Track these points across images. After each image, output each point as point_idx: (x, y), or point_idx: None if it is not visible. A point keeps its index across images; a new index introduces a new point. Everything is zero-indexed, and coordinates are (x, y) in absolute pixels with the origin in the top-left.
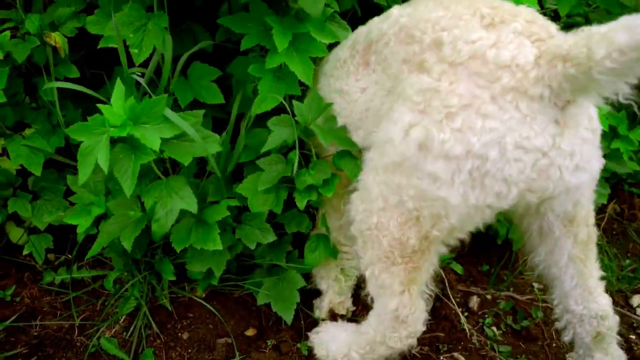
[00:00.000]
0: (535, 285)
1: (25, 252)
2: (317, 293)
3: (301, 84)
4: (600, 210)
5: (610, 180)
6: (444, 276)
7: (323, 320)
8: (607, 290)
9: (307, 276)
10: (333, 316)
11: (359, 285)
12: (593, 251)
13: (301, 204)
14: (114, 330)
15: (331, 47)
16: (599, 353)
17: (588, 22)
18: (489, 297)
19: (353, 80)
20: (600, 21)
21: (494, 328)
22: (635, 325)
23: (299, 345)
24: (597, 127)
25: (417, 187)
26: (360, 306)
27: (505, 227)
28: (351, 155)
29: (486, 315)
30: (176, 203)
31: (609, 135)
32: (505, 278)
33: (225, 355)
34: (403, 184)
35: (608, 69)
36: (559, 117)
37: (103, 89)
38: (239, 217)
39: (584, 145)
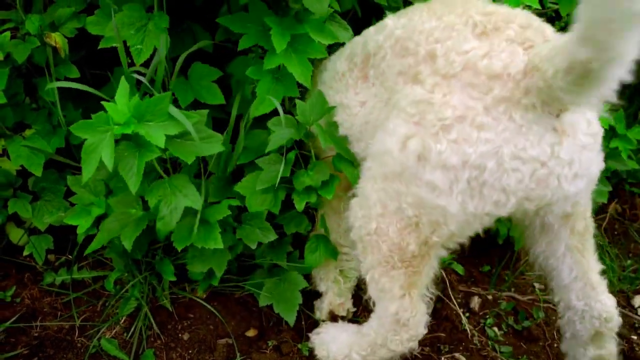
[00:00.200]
0: (537, 285)
1: (25, 253)
2: (318, 294)
3: (299, 85)
4: (601, 211)
5: (611, 180)
6: (445, 277)
7: (323, 321)
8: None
9: (308, 276)
10: (333, 317)
11: (360, 286)
12: (590, 242)
13: (300, 205)
14: (114, 331)
15: (331, 47)
16: (593, 347)
17: None
18: (490, 297)
19: (352, 94)
20: None
21: (495, 328)
22: (637, 325)
23: (299, 345)
24: (597, 130)
25: (416, 195)
26: (361, 307)
27: (506, 227)
28: (351, 157)
29: (487, 316)
30: (180, 201)
31: (608, 134)
32: (507, 278)
33: (226, 356)
34: (402, 191)
35: (560, 87)
36: (557, 125)
37: (103, 89)
38: (239, 217)
39: (583, 152)
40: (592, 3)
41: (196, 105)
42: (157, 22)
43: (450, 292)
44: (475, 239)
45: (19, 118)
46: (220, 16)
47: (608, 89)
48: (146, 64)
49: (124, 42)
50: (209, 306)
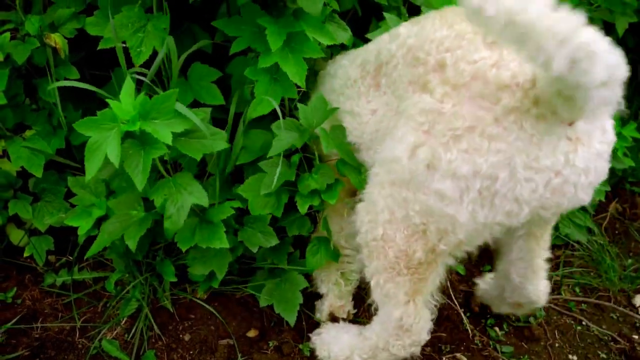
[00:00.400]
0: None
1: (26, 254)
2: (319, 294)
3: (298, 86)
4: (602, 210)
5: (610, 179)
6: (446, 277)
7: (324, 322)
8: (609, 290)
9: (309, 276)
10: (334, 319)
11: (361, 286)
12: (549, 232)
13: (303, 208)
14: (115, 332)
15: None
16: (510, 308)
17: (591, 21)
18: None
19: (364, 102)
20: (603, 20)
21: (497, 328)
22: (637, 325)
23: (300, 346)
24: (612, 139)
25: (424, 203)
26: (362, 308)
27: None
28: (355, 161)
29: (488, 316)
30: (186, 199)
31: None
32: None
33: (227, 357)
34: (409, 199)
35: (559, 104)
36: (570, 134)
37: (103, 89)
38: (240, 219)
39: (598, 160)
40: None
41: (195, 105)
42: (156, 23)
43: (451, 292)
44: None
45: (19, 119)
46: (219, 16)
47: (606, 104)
48: (145, 65)
49: (124, 43)
50: (209, 307)
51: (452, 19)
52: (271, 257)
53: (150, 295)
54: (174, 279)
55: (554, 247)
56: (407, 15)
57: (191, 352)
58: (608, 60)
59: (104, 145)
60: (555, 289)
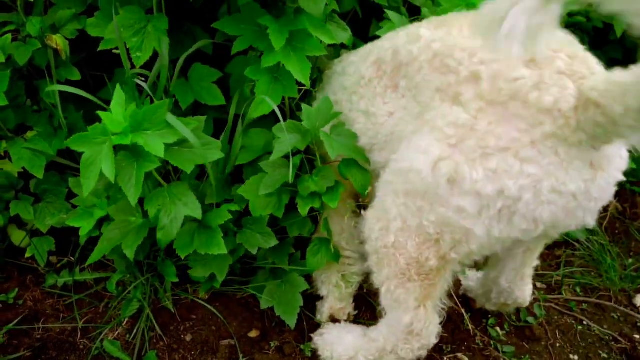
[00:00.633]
0: (538, 285)
1: (27, 255)
2: (319, 295)
3: (299, 84)
4: (602, 210)
5: None
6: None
7: (324, 323)
8: (610, 290)
9: (310, 278)
10: (334, 320)
11: (362, 287)
12: (542, 245)
13: (303, 210)
14: (117, 332)
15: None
16: (495, 307)
17: (590, 21)
18: None
19: (380, 103)
20: (602, 21)
21: (498, 328)
22: (639, 324)
23: (302, 346)
24: (625, 165)
25: (441, 214)
26: (364, 307)
27: None
28: (358, 164)
29: (489, 315)
30: (180, 210)
31: None
32: None
33: (228, 357)
34: (425, 209)
35: (630, 125)
36: (594, 159)
37: (104, 90)
38: (239, 221)
39: (609, 188)
40: None
41: (196, 106)
42: (157, 24)
43: (452, 292)
44: None
45: (20, 120)
46: (219, 17)
47: None
48: (146, 66)
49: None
50: (211, 307)
51: None
52: (272, 257)
53: (151, 295)
54: (176, 280)
55: (554, 246)
56: (407, 15)
57: (193, 353)
58: None
59: (98, 160)
60: (556, 288)
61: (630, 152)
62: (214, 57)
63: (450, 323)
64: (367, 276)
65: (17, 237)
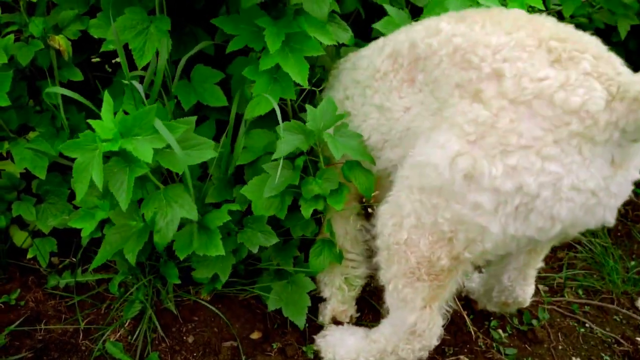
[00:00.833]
0: (541, 287)
1: (29, 256)
2: (322, 297)
3: (297, 85)
4: None
5: None
6: None
7: (326, 325)
8: (612, 292)
9: (314, 279)
10: (336, 322)
11: (365, 289)
12: (548, 248)
13: (307, 212)
14: (119, 334)
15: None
16: (496, 307)
17: (592, 22)
18: None
19: (396, 97)
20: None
21: (500, 330)
22: None
23: (304, 348)
24: None
25: (456, 211)
26: (367, 309)
27: None
28: (362, 167)
29: (492, 318)
30: (176, 212)
31: None
32: None
33: (230, 359)
34: (440, 206)
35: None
36: (616, 157)
37: (106, 91)
38: (240, 221)
39: (628, 185)
40: None
41: (199, 107)
42: (159, 25)
43: (454, 294)
44: None
45: (22, 120)
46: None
47: None
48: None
49: (126, 45)
50: (213, 308)
51: (506, 24)
52: (277, 258)
53: (153, 297)
54: (178, 281)
55: (557, 248)
56: (410, 16)
57: (195, 354)
58: None
59: (89, 167)
60: (559, 291)
61: None
62: (216, 58)
63: (453, 325)
64: (370, 279)
65: (19, 237)
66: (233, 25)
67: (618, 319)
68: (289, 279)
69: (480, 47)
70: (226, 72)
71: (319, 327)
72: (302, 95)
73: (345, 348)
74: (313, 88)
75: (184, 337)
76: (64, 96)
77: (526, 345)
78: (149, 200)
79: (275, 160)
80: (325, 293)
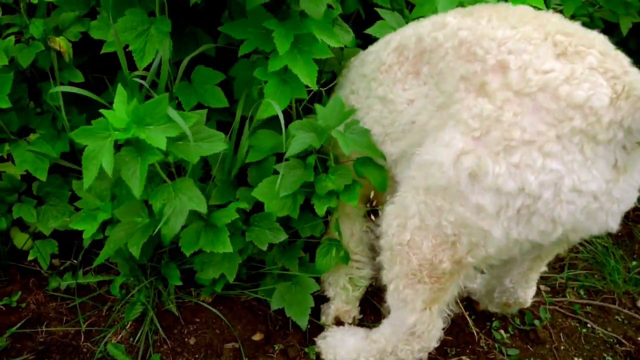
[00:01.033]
0: (542, 287)
1: (30, 258)
2: (325, 297)
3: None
4: None
5: None
6: None
7: (328, 325)
8: (614, 293)
9: (318, 279)
10: (339, 322)
11: (368, 290)
12: (553, 254)
13: (321, 210)
14: (120, 335)
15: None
16: (497, 308)
17: (593, 22)
18: None
19: (400, 89)
20: (605, 22)
21: (502, 331)
22: None
23: (306, 349)
24: None
25: (459, 214)
26: (369, 310)
27: None
28: (374, 162)
29: (493, 318)
30: (185, 204)
31: None
32: None
33: None
34: (444, 208)
35: None
36: (619, 160)
37: (106, 93)
38: (247, 220)
39: (632, 191)
40: None
41: (199, 108)
42: (159, 27)
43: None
44: None
45: (23, 122)
46: (222, 20)
47: None
48: (148, 69)
49: (127, 46)
50: (215, 310)
51: (512, 18)
52: (282, 260)
53: (155, 298)
54: (179, 283)
55: None
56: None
57: (197, 356)
58: None
59: (99, 154)
60: (560, 291)
61: None
62: (216, 59)
63: (455, 326)
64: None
65: (20, 239)
66: (241, 29)
67: (620, 319)
68: (292, 280)
69: (486, 40)
70: (228, 73)
71: (321, 328)
72: (304, 101)
73: (346, 349)
74: (321, 89)
75: (186, 339)
76: (64, 98)
77: (528, 346)
78: (158, 192)
79: (287, 160)
80: (330, 293)
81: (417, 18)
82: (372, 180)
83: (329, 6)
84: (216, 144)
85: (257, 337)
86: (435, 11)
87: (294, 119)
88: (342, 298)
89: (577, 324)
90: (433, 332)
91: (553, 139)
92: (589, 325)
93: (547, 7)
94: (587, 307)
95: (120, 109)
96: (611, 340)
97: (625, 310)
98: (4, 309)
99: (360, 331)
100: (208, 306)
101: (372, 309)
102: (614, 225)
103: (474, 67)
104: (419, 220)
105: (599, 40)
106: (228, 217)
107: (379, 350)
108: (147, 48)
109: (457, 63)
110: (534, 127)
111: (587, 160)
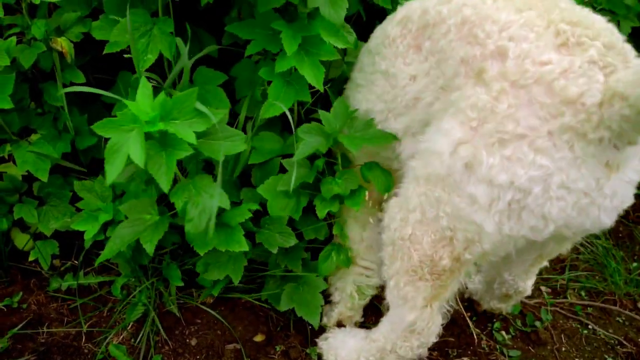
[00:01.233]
0: (543, 288)
1: (31, 259)
2: (327, 298)
3: (310, 87)
4: None
5: None
6: None
7: (329, 327)
8: (615, 294)
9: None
10: (339, 325)
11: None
12: (555, 252)
13: (321, 213)
14: (121, 336)
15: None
16: (498, 301)
17: None
18: None
19: (401, 64)
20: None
21: (503, 332)
22: None
23: (308, 350)
24: None
25: (455, 205)
26: (370, 312)
27: None
28: (381, 167)
29: (495, 320)
30: (207, 202)
31: None
32: None
33: None
34: (442, 199)
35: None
36: (611, 159)
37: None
38: (257, 222)
39: (626, 187)
40: None
41: None
42: (162, 27)
43: (457, 296)
44: None
45: (24, 123)
46: (226, 21)
47: None
48: (150, 69)
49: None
50: (214, 314)
51: (518, 1)
52: (285, 262)
53: (156, 299)
54: (181, 284)
55: None
56: None
57: (198, 357)
58: None
59: (124, 147)
60: (561, 292)
61: None
62: (218, 60)
63: (456, 327)
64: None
65: (21, 240)
66: (248, 30)
67: (621, 321)
68: (299, 280)
69: (489, 23)
70: (229, 74)
71: (322, 330)
72: (307, 104)
73: (347, 350)
74: (326, 88)
75: (187, 340)
76: (66, 98)
77: (529, 347)
78: (178, 189)
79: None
80: (335, 297)
81: None
82: (377, 185)
83: None
84: (237, 144)
85: (258, 338)
86: None
87: (295, 121)
88: (347, 305)
89: (578, 326)
90: (432, 329)
91: (544, 134)
92: (590, 326)
93: None
94: (588, 308)
95: (144, 102)
96: (612, 341)
97: (626, 312)
98: (5, 309)
99: (361, 332)
100: (208, 309)
101: (373, 310)
102: (607, 220)
103: (474, 50)
104: (420, 213)
105: (606, 31)
106: (242, 216)
107: (379, 349)
108: (150, 48)
109: (457, 43)
110: (527, 120)
111: (576, 158)
